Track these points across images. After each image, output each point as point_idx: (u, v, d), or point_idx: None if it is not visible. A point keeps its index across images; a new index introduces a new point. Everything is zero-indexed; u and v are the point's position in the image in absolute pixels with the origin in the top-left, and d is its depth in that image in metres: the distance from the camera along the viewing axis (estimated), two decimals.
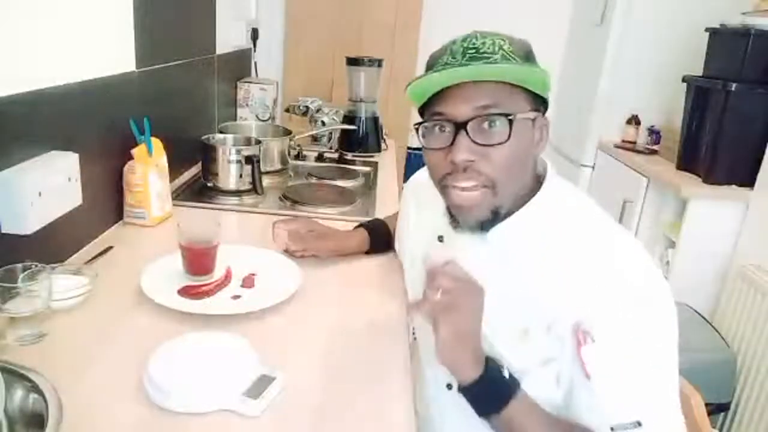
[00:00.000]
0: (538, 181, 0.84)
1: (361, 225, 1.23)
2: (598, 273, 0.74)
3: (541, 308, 0.77)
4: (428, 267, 0.73)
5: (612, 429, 0.72)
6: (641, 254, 0.77)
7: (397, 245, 1.16)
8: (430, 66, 0.79)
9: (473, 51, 0.74)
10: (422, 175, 1.02)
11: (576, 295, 0.74)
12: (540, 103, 0.79)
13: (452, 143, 0.75)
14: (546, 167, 0.86)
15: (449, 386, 0.92)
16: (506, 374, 0.75)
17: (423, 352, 0.98)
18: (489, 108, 0.74)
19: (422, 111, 0.82)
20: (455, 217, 0.82)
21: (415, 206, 1.04)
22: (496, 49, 0.74)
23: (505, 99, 0.75)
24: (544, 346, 0.77)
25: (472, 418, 0.84)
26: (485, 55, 0.74)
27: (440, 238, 0.92)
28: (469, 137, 0.74)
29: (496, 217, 0.80)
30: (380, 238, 1.20)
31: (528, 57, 0.77)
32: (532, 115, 0.78)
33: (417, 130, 0.80)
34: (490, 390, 0.74)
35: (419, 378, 1.02)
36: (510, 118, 0.73)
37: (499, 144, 0.74)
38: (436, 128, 0.78)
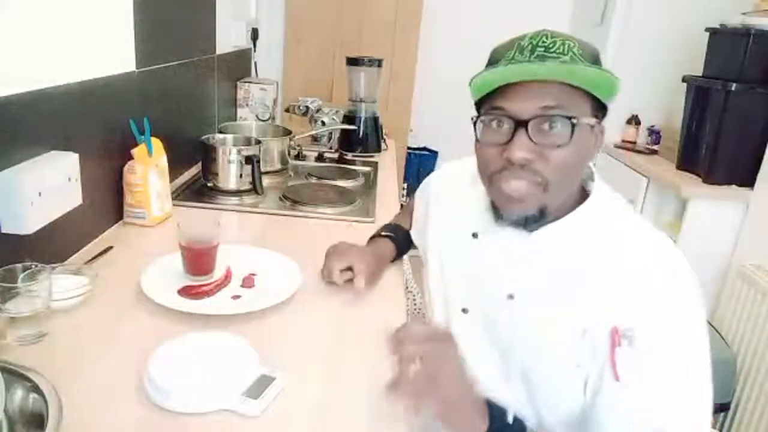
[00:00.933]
0: (582, 187, 0.84)
1: (381, 235, 1.16)
2: (641, 282, 0.73)
3: (577, 313, 0.76)
4: (388, 338, 0.70)
5: (634, 429, 0.70)
6: (683, 265, 0.76)
7: (418, 239, 1.13)
8: (495, 60, 0.77)
9: (542, 49, 0.72)
10: (450, 171, 1.05)
11: (615, 302, 0.73)
12: (600, 108, 0.78)
13: (510, 140, 0.74)
14: (592, 173, 0.85)
15: None
16: (510, 419, 0.72)
17: None
18: (553, 109, 0.72)
19: (478, 105, 0.80)
20: (499, 210, 0.81)
21: (434, 202, 1.04)
22: (566, 50, 0.73)
23: (568, 101, 0.73)
24: (575, 351, 0.76)
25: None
26: (555, 55, 0.72)
27: (474, 235, 0.90)
28: (529, 136, 0.73)
29: (541, 215, 0.78)
30: (404, 242, 1.17)
31: (596, 61, 0.76)
32: (592, 120, 0.76)
33: (475, 124, 0.78)
34: None
35: None
36: (573, 121, 0.72)
37: (558, 146, 0.73)
38: (494, 123, 0.76)
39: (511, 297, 0.82)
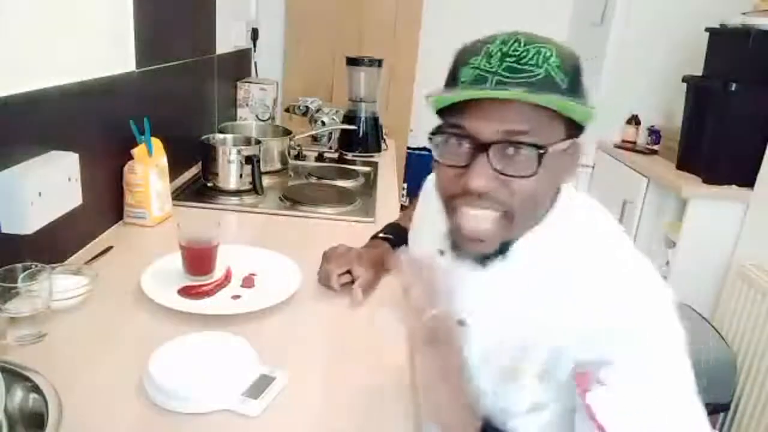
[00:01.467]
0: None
1: (380, 236, 1.13)
2: (606, 315, 0.63)
3: (535, 347, 0.67)
4: (407, 265, 0.65)
5: None
6: (653, 287, 0.66)
7: (412, 241, 1.07)
8: (461, 62, 0.65)
9: (513, 60, 0.62)
10: (430, 186, 0.95)
11: (578, 335, 0.64)
12: (576, 127, 0.67)
13: (469, 164, 0.64)
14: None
15: None
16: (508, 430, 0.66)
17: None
18: (519, 134, 0.62)
19: (440, 113, 0.69)
20: (457, 244, 0.70)
21: (425, 205, 0.98)
22: (541, 62, 0.62)
23: (538, 123, 0.62)
24: (533, 392, 0.69)
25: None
26: (527, 68, 0.61)
27: (441, 252, 0.78)
28: (490, 163, 0.62)
29: (503, 250, 0.69)
30: (403, 243, 1.12)
31: (575, 74, 0.65)
32: (566, 144, 0.66)
33: (431, 139, 0.68)
34: None
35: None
36: (542, 150, 0.61)
37: (525, 177, 0.63)
38: (453, 139, 0.65)
39: (461, 323, 0.72)
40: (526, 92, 0.60)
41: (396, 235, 1.14)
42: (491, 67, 0.62)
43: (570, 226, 0.70)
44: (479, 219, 0.65)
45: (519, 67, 0.61)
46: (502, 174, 0.63)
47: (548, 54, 0.62)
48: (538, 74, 0.61)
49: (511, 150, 0.62)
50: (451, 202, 0.68)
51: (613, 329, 0.62)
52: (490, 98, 0.61)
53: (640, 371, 0.61)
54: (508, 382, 0.70)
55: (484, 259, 0.69)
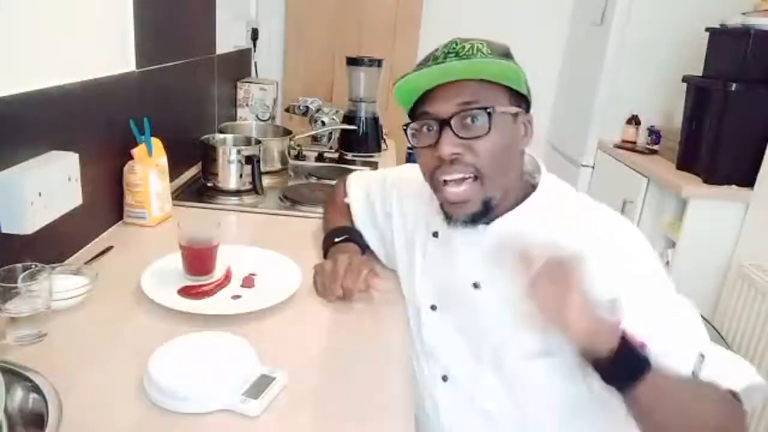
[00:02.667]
0: (531, 182, 0.89)
1: (338, 241, 1.10)
2: (599, 252, 0.77)
3: None
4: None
5: (694, 374, 0.75)
6: (633, 229, 0.84)
7: (375, 237, 1.14)
8: (416, 68, 0.82)
9: (453, 55, 0.79)
10: (407, 174, 1.07)
11: None
12: (522, 100, 0.85)
13: (438, 139, 0.80)
14: (539, 167, 0.90)
15: (444, 378, 0.95)
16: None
17: (417, 344, 0.99)
18: (470, 104, 0.79)
19: (411, 115, 0.87)
20: (448, 213, 0.86)
21: (397, 204, 1.07)
22: (475, 51, 0.79)
23: (484, 96, 0.80)
24: (543, 339, 0.81)
25: (466, 409, 0.87)
26: (465, 57, 0.79)
27: (435, 234, 0.95)
28: (453, 132, 0.80)
29: (487, 209, 0.84)
30: (363, 243, 1.14)
31: (507, 56, 0.82)
32: (512, 110, 0.83)
33: (405, 131, 0.86)
34: (634, 355, 0.70)
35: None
36: (489, 111, 0.79)
37: (481, 136, 0.79)
38: (424, 128, 0.83)
39: (476, 286, 0.87)
40: (456, 60, 0.78)
41: (355, 238, 1.11)
42: (437, 61, 0.80)
43: (552, 199, 0.86)
44: (457, 191, 0.81)
45: (459, 58, 0.79)
46: (465, 138, 0.80)
47: (481, 46, 0.80)
48: (472, 58, 0.79)
49: (468, 119, 0.80)
50: (433, 178, 0.84)
51: (608, 271, 0.76)
52: (444, 84, 0.80)
53: (642, 294, 0.77)
54: (522, 326, 0.82)
55: (473, 220, 0.84)
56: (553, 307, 0.69)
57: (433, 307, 0.95)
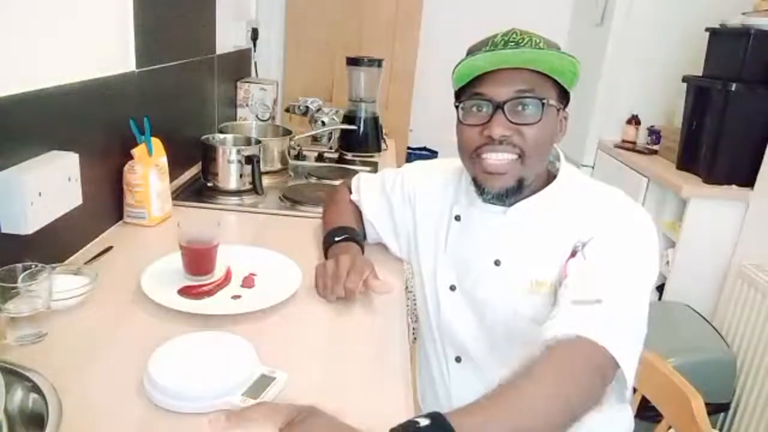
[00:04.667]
0: (551, 170, 0.96)
1: (337, 241, 1.09)
2: (593, 214, 0.88)
3: (550, 269, 0.88)
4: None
5: (573, 302, 0.78)
6: (638, 207, 0.91)
7: (392, 226, 1.15)
8: (471, 53, 0.87)
9: (513, 44, 0.83)
10: (425, 167, 1.14)
11: (575, 236, 0.87)
12: (564, 97, 0.91)
13: (489, 120, 0.86)
14: (559, 156, 0.97)
15: (458, 359, 1.02)
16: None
17: (426, 330, 1.06)
18: (525, 92, 0.84)
19: (458, 94, 0.92)
20: (482, 186, 0.91)
21: (420, 195, 1.10)
22: (534, 44, 0.83)
23: (538, 86, 0.85)
24: (554, 297, 0.87)
25: (478, 389, 0.87)
26: (524, 47, 0.83)
27: (457, 218, 1.01)
28: (506, 116, 0.85)
29: (519, 188, 0.89)
30: (362, 243, 1.13)
31: (559, 48, 0.87)
32: (559, 105, 0.89)
33: (457, 107, 0.90)
34: None
35: (421, 359, 1.11)
36: (543, 101, 0.85)
37: (531, 124, 0.85)
38: (474, 108, 0.88)
39: (497, 263, 0.94)
40: (526, 48, 0.82)
41: (354, 238, 1.10)
42: (497, 47, 0.84)
43: (570, 186, 0.93)
44: (501, 158, 0.87)
45: (518, 47, 0.83)
46: (516, 124, 0.85)
47: (538, 40, 0.85)
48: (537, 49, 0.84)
49: (520, 107, 0.85)
50: (475, 152, 0.89)
51: (594, 221, 0.86)
52: (502, 69, 0.84)
53: (601, 238, 0.84)
54: (534, 298, 0.90)
55: (505, 196, 0.90)
56: None
57: (452, 288, 1.00)
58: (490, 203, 0.93)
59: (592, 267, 0.83)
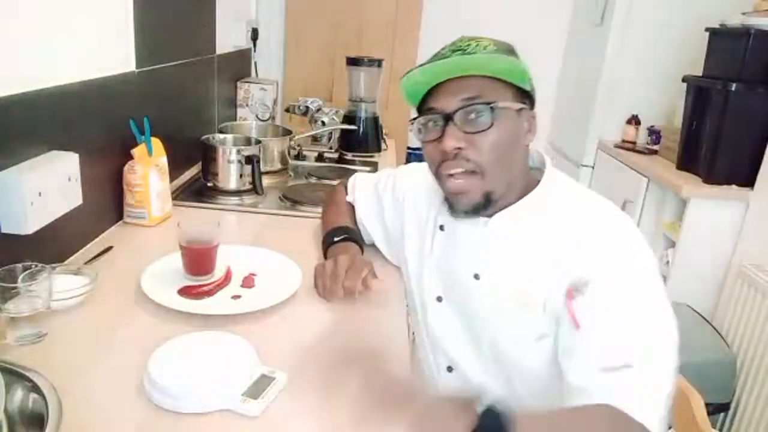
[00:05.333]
0: (537, 177, 0.90)
1: (337, 241, 1.10)
2: (591, 242, 0.81)
3: (537, 285, 0.83)
4: None
5: (600, 369, 0.72)
6: (630, 224, 0.84)
7: (383, 233, 1.15)
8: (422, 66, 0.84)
9: (459, 51, 0.81)
10: (414, 170, 1.10)
11: (568, 267, 0.80)
12: (525, 97, 0.86)
13: (442, 134, 0.82)
14: (544, 161, 0.92)
15: (449, 369, 0.99)
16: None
17: (418, 336, 1.04)
18: (473, 99, 0.81)
19: (419, 110, 0.89)
20: (451, 204, 0.89)
21: (409, 199, 1.08)
22: (481, 49, 0.81)
23: (488, 91, 0.81)
24: (539, 323, 0.83)
25: None
26: (471, 53, 0.81)
27: (441, 227, 0.98)
28: (457, 126, 0.81)
29: (488, 201, 0.85)
30: (362, 242, 1.14)
31: (510, 51, 0.84)
32: (516, 105, 0.84)
33: (412, 124, 0.88)
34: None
35: (415, 365, 1.07)
36: (492, 106, 0.81)
37: (484, 131, 0.81)
38: (429, 123, 0.85)
39: (476, 277, 0.90)
40: (461, 55, 0.80)
41: (354, 237, 1.11)
42: (443, 57, 0.81)
43: (553, 195, 0.88)
44: (458, 176, 0.83)
45: (465, 54, 0.81)
46: (468, 133, 0.81)
47: (486, 44, 0.82)
48: (476, 55, 0.81)
49: (472, 114, 0.81)
50: (438, 171, 0.86)
51: (591, 255, 0.79)
52: (449, 79, 0.82)
53: (611, 284, 0.77)
54: (518, 315, 0.85)
55: (475, 210, 0.86)
56: None
57: (439, 299, 0.98)
58: (467, 217, 0.89)
59: (612, 319, 0.75)
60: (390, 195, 1.12)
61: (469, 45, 0.82)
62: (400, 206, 1.09)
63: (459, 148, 0.82)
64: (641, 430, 0.68)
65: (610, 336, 0.75)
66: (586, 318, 0.76)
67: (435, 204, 1.00)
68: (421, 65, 0.82)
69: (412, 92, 0.86)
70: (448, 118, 0.82)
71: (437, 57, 0.83)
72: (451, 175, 0.84)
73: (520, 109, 0.85)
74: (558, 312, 0.81)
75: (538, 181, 0.89)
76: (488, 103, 0.81)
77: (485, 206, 0.86)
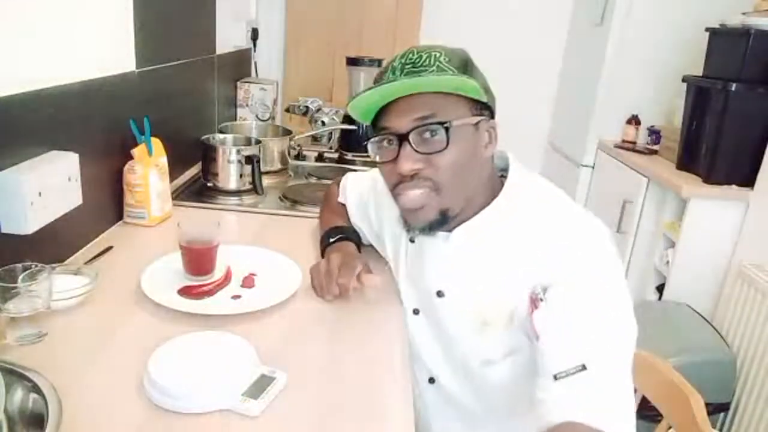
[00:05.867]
0: (503, 181, 0.87)
1: (338, 239, 1.09)
2: (549, 247, 0.78)
3: (503, 298, 0.81)
4: None
5: (555, 377, 0.70)
6: (590, 225, 0.81)
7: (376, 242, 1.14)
8: (375, 82, 0.82)
9: (410, 66, 0.78)
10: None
11: (532, 276, 0.78)
12: (484, 107, 0.82)
13: (397, 155, 0.79)
14: (507, 161, 0.88)
15: (431, 380, 0.97)
16: None
17: (407, 347, 0.99)
18: (427, 118, 0.78)
19: (373, 128, 0.86)
20: (406, 221, 0.86)
21: (385, 208, 1.05)
22: (432, 61, 0.77)
23: (442, 108, 0.78)
24: (505, 339, 0.81)
25: (452, 409, 0.88)
26: (422, 68, 0.77)
27: (412, 240, 0.96)
28: (412, 147, 0.78)
29: (444, 218, 0.83)
30: (359, 241, 1.14)
31: (465, 65, 0.80)
32: (473, 120, 0.80)
33: (367, 146, 0.85)
34: None
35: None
36: (446, 126, 0.77)
37: (440, 151, 0.78)
38: (384, 142, 0.83)
39: (440, 294, 0.88)
40: (412, 77, 0.76)
41: (348, 235, 1.11)
42: (394, 77, 0.78)
43: (516, 199, 0.84)
44: (412, 195, 0.81)
45: (415, 69, 0.77)
46: (423, 153, 0.78)
47: (438, 55, 0.78)
48: (431, 70, 0.77)
49: (426, 133, 0.78)
50: (394, 191, 0.84)
51: (551, 261, 0.76)
52: (400, 97, 0.79)
53: (568, 288, 0.74)
54: (484, 334, 0.83)
55: (430, 227, 0.84)
56: None
57: (416, 311, 0.96)
58: (423, 234, 0.87)
59: (567, 324, 0.73)
60: (373, 206, 1.11)
61: (420, 57, 0.78)
62: (380, 209, 1.08)
63: (416, 170, 0.79)
64: None
65: (564, 340, 0.73)
66: (545, 326, 0.74)
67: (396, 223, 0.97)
68: (369, 88, 0.78)
69: (365, 110, 0.83)
70: (402, 138, 0.79)
71: (387, 72, 0.80)
72: (404, 191, 0.82)
73: (478, 122, 0.81)
74: (522, 323, 0.78)
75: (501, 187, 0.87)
76: (441, 123, 0.77)
77: (441, 223, 0.83)
